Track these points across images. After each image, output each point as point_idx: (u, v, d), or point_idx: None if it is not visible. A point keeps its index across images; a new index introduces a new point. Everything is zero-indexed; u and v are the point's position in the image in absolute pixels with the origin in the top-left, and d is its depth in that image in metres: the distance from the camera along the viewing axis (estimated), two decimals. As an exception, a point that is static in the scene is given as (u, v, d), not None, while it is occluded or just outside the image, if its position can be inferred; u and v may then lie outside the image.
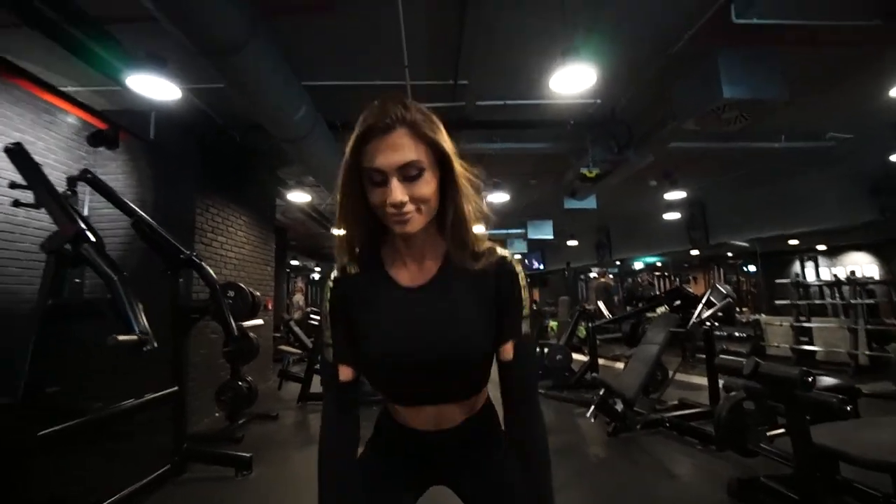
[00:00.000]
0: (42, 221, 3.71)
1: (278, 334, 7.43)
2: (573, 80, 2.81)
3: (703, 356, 3.76)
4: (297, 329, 6.44)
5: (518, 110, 4.43)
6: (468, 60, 3.41)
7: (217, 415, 4.32)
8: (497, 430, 0.88)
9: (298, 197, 6.01)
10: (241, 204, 5.16)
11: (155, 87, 2.67)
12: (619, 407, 3.49)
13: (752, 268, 13.23)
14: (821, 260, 12.64)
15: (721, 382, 2.96)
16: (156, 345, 1.98)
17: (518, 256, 0.78)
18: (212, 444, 3.52)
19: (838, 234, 10.66)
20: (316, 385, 5.07)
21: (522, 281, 0.81)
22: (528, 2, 2.89)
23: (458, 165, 0.77)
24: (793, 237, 10.43)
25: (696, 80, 3.45)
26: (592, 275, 14.76)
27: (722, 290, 3.71)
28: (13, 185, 2.37)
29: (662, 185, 6.89)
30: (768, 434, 2.14)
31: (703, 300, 3.60)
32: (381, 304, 0.80)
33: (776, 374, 1.79)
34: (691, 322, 3.15)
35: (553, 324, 7.56)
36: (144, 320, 1.97)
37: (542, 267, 13.55)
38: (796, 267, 12.70)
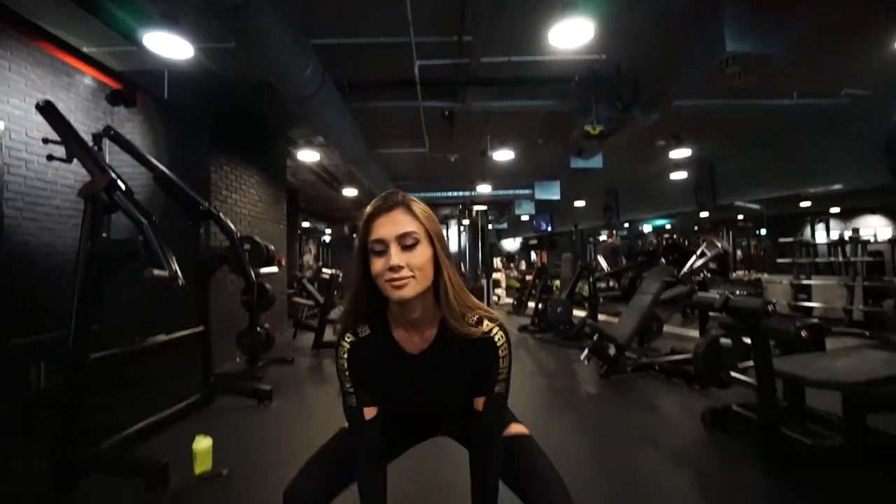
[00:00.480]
0: (69, 179, 3.95)
1: (291, 290, 7.78)
2: (572, 34, 2.86)
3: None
4: (309, 286, 6.76)
5: (523, 67, 4.44)
6: (472, 16, 3.43)
7: (237, 360, 4.68)
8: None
9: (308, 156, 6.15)
10: (253, 163, 5.33)
11: (169, 46, 2.79)
12: (612, 351, 3.73)
13: (763, 231, 13.15)
14: (834, 223, 12.51)
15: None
16: (183, 282, 2.22)
17: (500, 333, 0.93)
18: (235, 382, 3.86)
19: (851, 197, 10.52)
20: (328, 335, 5.42)
21: (503, 352, 0.96)
22: (530, -46, 2.90)
23: (440, 246, 0.92)
24: (804, 199, 10.32)
25: (702, 34, 3.44)
26: (602, 238, 14.84)
27: (717, 244, 3.83)
28: (46, 141, 2.57)
29: (669, 144, 6.85)
30: (739, 365, 2.35)
31: (698, 253, 3.73)
32: (391, 368, 0.99)
33: (742, 305, 1.98)
34: (682, 271, 3.30)
35: (557, 283, 7.78)
36: (173, 260, 2.21)
37: (549, 229, 13.62)
38: (808, 231, 12.61)
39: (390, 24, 3.64)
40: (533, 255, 18.75)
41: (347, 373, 0.99)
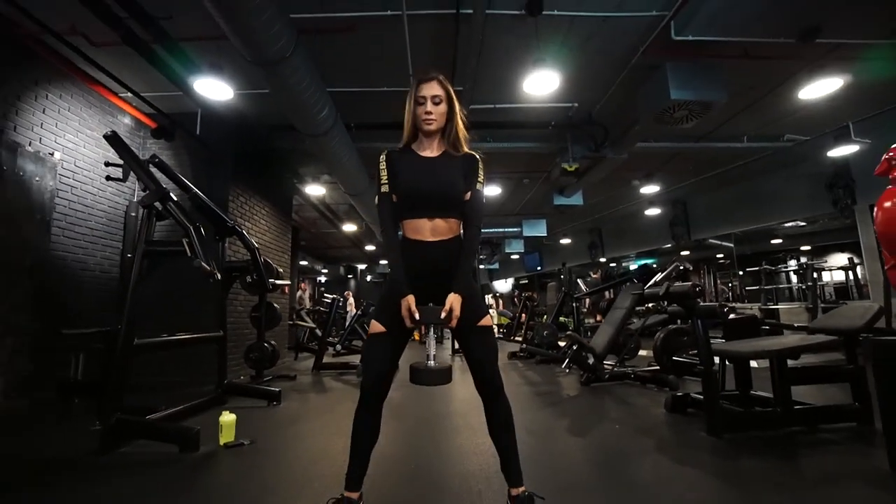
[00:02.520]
0: (102, 205, 4.44)
1: (290, 322, 8.09)
2: (542, 83, 3.51)
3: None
4: (306, 317, 7.13)
5: (507, 112, 5.15)
6: (462, 70, 4.12)
7: (242, 377, 4.95)
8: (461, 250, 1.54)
9: (315, 190, 6.72)
10: (265, 196, 5.87)
11: (213, 89, 3.39)
12: (591, 360, 4.11)
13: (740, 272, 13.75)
14: (805, 260, 13.18)
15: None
16: (219, 276, 2.65)
17: (481, 155, 1.49)
18: (245, 386, 4.15)
19: (820, 236, 11.26)
20: (327, 357, 5.72)
21: (480, 164, 1.53)
22: (507, 26, 3.61)
23: (458, 105, 1.54)
24: (774, 237, 11.03)
25: (652, 86, 4.14)
26: (593, 276, 15.38)
27: (680, 265, 4.33)
28: (108, 164, 3.08)
29: (642, 182, 7.56)
30: (690, 352, 2.77)
31: (665, 272, 4.21)
32: (413, 164, 1.53)
33: (678, 290, 2.43)
34: (647, 285, 3.75)
35: (544, 317, 8.22)
36: (212, 260, 2.64)
37: (539, 268, 14.15)
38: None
39: (393, 76, 4.33)
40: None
41: (385, 170, 1.52)
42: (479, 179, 1.53)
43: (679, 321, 2.97)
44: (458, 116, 1.53)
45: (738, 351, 2.40)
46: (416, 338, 11.12)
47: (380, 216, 1.55)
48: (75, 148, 4.07)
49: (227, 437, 2.49)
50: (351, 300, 11.91)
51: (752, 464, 2.03)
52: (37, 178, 3.65)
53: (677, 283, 2.47)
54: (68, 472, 2.05)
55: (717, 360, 2.54)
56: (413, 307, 1.40)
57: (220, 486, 1.93)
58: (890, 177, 1.81)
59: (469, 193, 1.52)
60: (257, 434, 2.64)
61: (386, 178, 1.52)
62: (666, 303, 2.55)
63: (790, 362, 2.44)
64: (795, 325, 3.46)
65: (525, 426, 2.75)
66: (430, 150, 1.55)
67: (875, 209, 1.81)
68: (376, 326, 1.50)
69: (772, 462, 2.05)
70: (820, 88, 4.28)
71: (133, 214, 4.81)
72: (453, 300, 1.42)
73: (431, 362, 1.38)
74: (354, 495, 1.46)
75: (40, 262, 3.65)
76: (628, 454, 2.25)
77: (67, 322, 3.68)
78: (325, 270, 16.94)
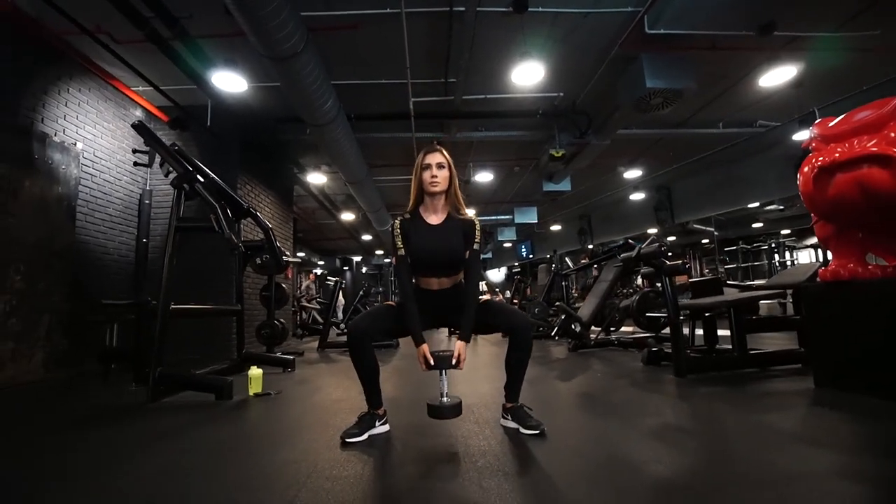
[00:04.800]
0: (119, 193, 4.72)
1: (293, 308, 8.42)
2: (529, 74, 3.85)
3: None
4: (307, 304, 7.46)
5: (497, 102, 5.49)
6: (455, 63, 4.46)
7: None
8: (463, 294, 1.81)
9: (316, 178, 7.02)
10: (269, 185, 6.17)
11: (229, 82, 3.69)
12: (578, 328, 4.50)
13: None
14: (790, 242, 13.74)
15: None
16: (243, 249, 2.98)
17: (477, 220, 1.75)
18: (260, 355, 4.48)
19: (799, 220, 11.77)
20: (331, 335, 6.05)
21: (478, 227, 1.81)
22: (496, 22, 3.94)
23: (455, 173, 1.84)
24: (755, 220, 11.52)
25: (630, 76, 4.51)
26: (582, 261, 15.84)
27: (659, 241, 4.72)
28: (135, 151, 3.38)
29: (628, 169, 7.96)
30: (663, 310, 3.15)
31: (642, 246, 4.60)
32: (422, 231, 1.78)
33: (648, 251, 2.80)
34: (623, 255, 4.11)
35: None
36: (234, 234, 2.97)
37: (531, 255, 14.56)
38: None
39: (392, 69, 4.65)
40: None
41: (399, 236, 1.78)
42: (477, 240, 1.80)
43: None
44: (457, 182, 1.84)
45: (699, 303, 2.79)
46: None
47: (397, 275, 1.86)
48: (94, 139, 4.35)
49: (255, 388, 2.83)
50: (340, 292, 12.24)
51: (707, 391, 2.43)
52: (63, 167, 3.93)
53: (647, 245, 2.85)
54: (125, 416, 2.39)
55: (683, 316, 2.93)
56: (428, 354, 1.66)
57: (258, 419, 2.28)
58: (811, 147, 2.19)
59: (468, 254, 1.80)
60: (281, 386, 2.98)
61: (401, 243, 1.77)
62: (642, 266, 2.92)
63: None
64: (753, 283, 3.86)
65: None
66: (436, 215, 1.81)
67: (797, 174, 2.19)
68: (391, 309, 1.80)
69: (723, 389, 2.44)
70: (778, 76, 4.69)
71: (147, 202, 5.10)
72: (460, 347, 1.69)
73: (445, 399, 1.63)
74: (379, 411, 1.82)
75: (68, 247, 3.95)
76: (607, 390, 2.64)
77: (94, 302, 3.99)
78: (321, 262, 17.22)
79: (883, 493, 1.12)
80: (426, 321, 1.79)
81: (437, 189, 1.77)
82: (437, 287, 1.81)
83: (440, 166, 1.77)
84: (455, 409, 1.62)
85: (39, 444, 1.87)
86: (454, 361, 1.63)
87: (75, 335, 3.85)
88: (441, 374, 1.67)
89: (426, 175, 1.77)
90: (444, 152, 1.82)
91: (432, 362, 1.63)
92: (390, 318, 1.78)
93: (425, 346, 1.67)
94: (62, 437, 1.97)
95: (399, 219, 1.83)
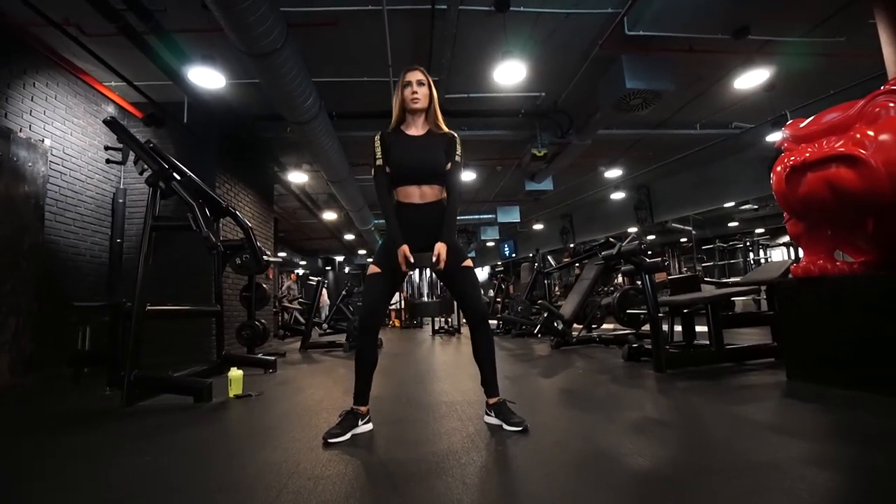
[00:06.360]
0: (90, 192, 4.56)
1: (274, 308, 8.29)
2: (511, 73, 3.88)
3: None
4: (288, 305, 7.35)
5: (479, 101, 5.50)
6: (438, 61, 4.44)
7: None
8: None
9: (296, 178, 6.92)
10: (249, 184, 6.06)
11: (206, 78, 3.60)
12: (560, 326, 4.55)
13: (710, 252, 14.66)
14: (763, 241, 14.19)
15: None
16: (222, 248, 2.91)
17: (456, 134, 1.79)
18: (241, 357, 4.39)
19: (772, 219, 12.16)
20: (314, 336, 5.98)
21: (458, 141, 1.85)
22: (478, 21, 3.95)
23: (435, 92, 1.88)
24: (731, 220, 11.84)
25: (610, 76, 4.58)
26: (565, 259, 16.04)
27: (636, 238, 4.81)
28: (108, 148, 3.27)
29: (609, 169, 8.08)
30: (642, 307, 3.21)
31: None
32: (403, 142, 1.84)
33: (628, 248, 2.86)
34: (604, 252, 4.18)
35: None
36: (213, 233, 2.90)
37: (514, 255, 14.66)
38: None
39: (373, 67, 4.61)
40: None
41: (379, 147, 1.82)
42: (458, 153, 1.85)
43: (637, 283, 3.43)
44: (436, 101, 1.89)
45: (677, 300, 2.85)
46: (397, 324, 11.41)
47: (376, 186, 1.85)
48: (63, 136, 4.19)
49: (235, 389, 2.77)
50: (324, 291, 12.08)
51: (686, 385, 2.48)
52: (30, 164, 3.77)
53: (627, 243, 2.90)
54: (98, 420, 2.31)
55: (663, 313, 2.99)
56: (408, 254, 1.71)
57: (239, 421, 2.24)
58: (783, 147, 2.27)
59: (449, 165, 1.84)
60: (262, 387, 2.93)
61: (380, 153, 1.82)
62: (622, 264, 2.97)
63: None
64: (729, 280, 3.98)
65: (503, 374, 3.14)
66: (416, 129, 1.86)
67: (771, 174, 2.26)
68: (374, 269, 1.80)
69: (701, 383, 2.51)
70: (752, 79, 4.84)
71: (121, 201, 4.94)
72: (440, 248, 1.74)
73: (425, 298, 1.70)
74: (363, 409, 1.80)
75: (36, 247, 3.80)
76: (589, 386, 2.67)
77: (65, 304, 3.85)
78: (303, 262, 16.99)
79: (849, 478, 1.16)
80: (409, 242, 1.76)
81: (418, 105, 1.81)
82: (419, 199, 1.82)
83: (420, 83, 1.81)
84: (440, 306, 1.69)
85: (3, 450, 1.79)
86: (434, 260, 1.70)
87: (45, 338, 3.70)
88: (421, 274, 1.72)
89: (407, 92, 1.81)
90: (424, 71, 1.85)
91: (412, 260, 1.70)
92: (384, 287, 1.79)
93: (405, 247, 1.72)
94: (30, 442, 1.89)
95: (381, 132, 1.86)
